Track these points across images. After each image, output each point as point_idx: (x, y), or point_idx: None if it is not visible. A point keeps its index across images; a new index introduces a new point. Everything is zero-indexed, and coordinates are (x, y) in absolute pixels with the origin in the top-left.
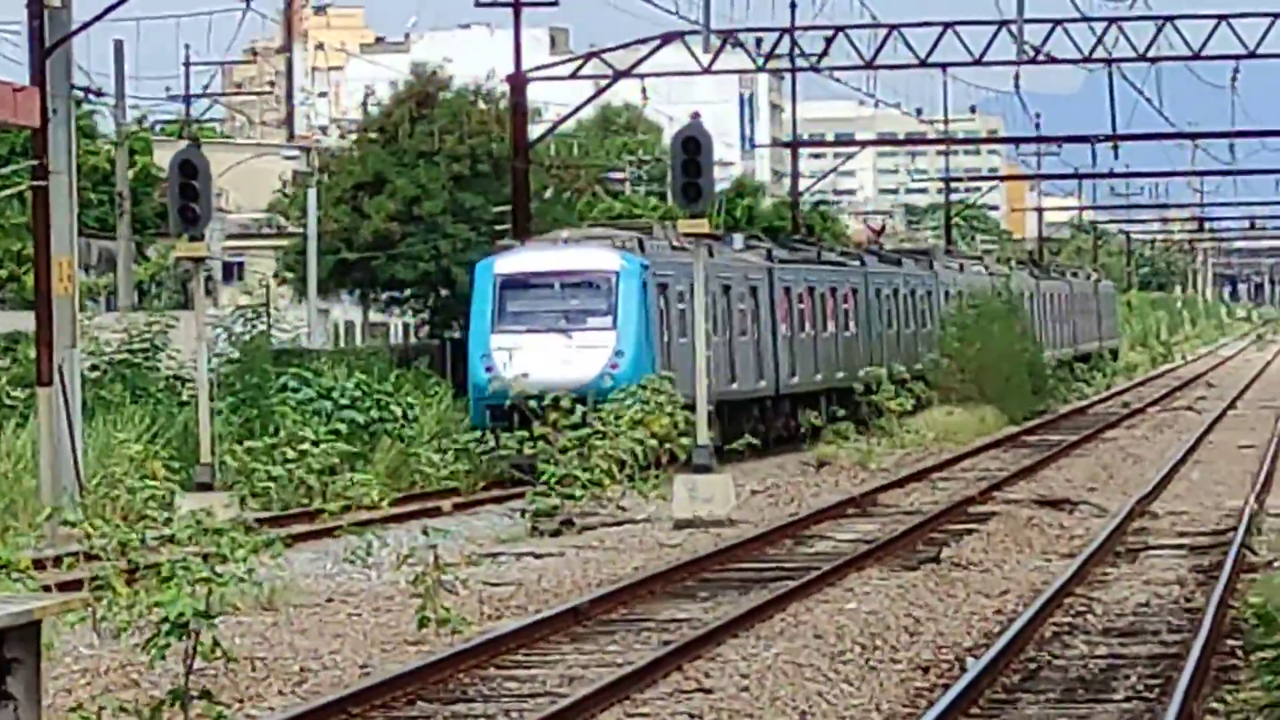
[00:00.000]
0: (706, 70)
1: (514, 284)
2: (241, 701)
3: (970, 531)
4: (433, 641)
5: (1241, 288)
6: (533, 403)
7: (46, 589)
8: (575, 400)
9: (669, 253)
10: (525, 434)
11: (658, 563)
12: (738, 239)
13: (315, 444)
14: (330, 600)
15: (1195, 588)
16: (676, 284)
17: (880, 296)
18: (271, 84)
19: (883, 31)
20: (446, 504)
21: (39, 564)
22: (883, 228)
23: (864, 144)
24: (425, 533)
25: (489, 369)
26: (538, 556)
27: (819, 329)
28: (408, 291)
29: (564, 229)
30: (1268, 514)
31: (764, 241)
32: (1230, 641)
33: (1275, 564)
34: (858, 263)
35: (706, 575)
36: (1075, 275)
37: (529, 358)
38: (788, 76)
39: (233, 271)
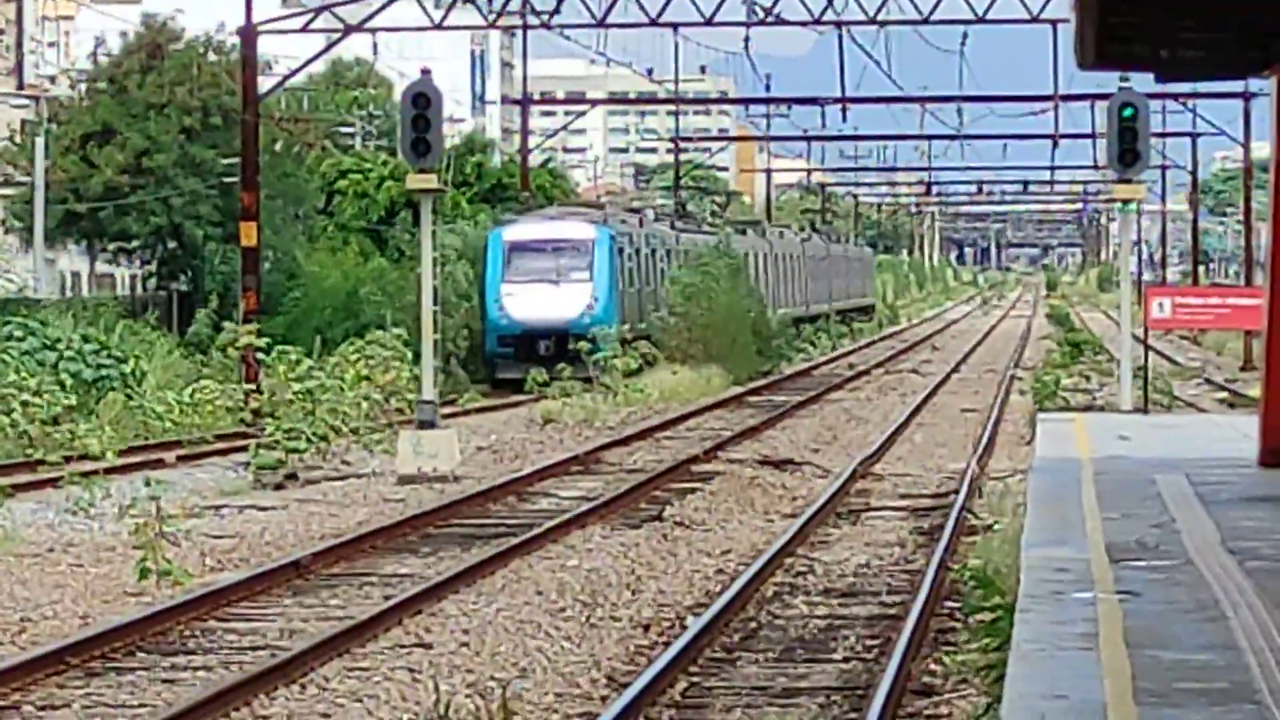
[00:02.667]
0: (438, 26)
1: (517, 247)
2: None
3: (693, 491)
4: (153, 593)
5: (968, 252)
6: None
7: None
8: (561, 332)
9: (621, 225)
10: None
11: (381, 517)
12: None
13: (38, 394)
14: (51, 550)
15: (916, 550)
16: (628, 249)
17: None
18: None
19: None
20: (171, 456)
21: None
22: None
23: (594, 103)
24: (148, 484)
25: (500, 309)
26: (261, 510)
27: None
28: (136, 243)
29: (552, 207)
30: (989, 477)
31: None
32: (949, 604)
33: (995, 527)
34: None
35: (429, 531)
36: (841, 241)
37: (529, 301)
38: (519, 33)
39: None
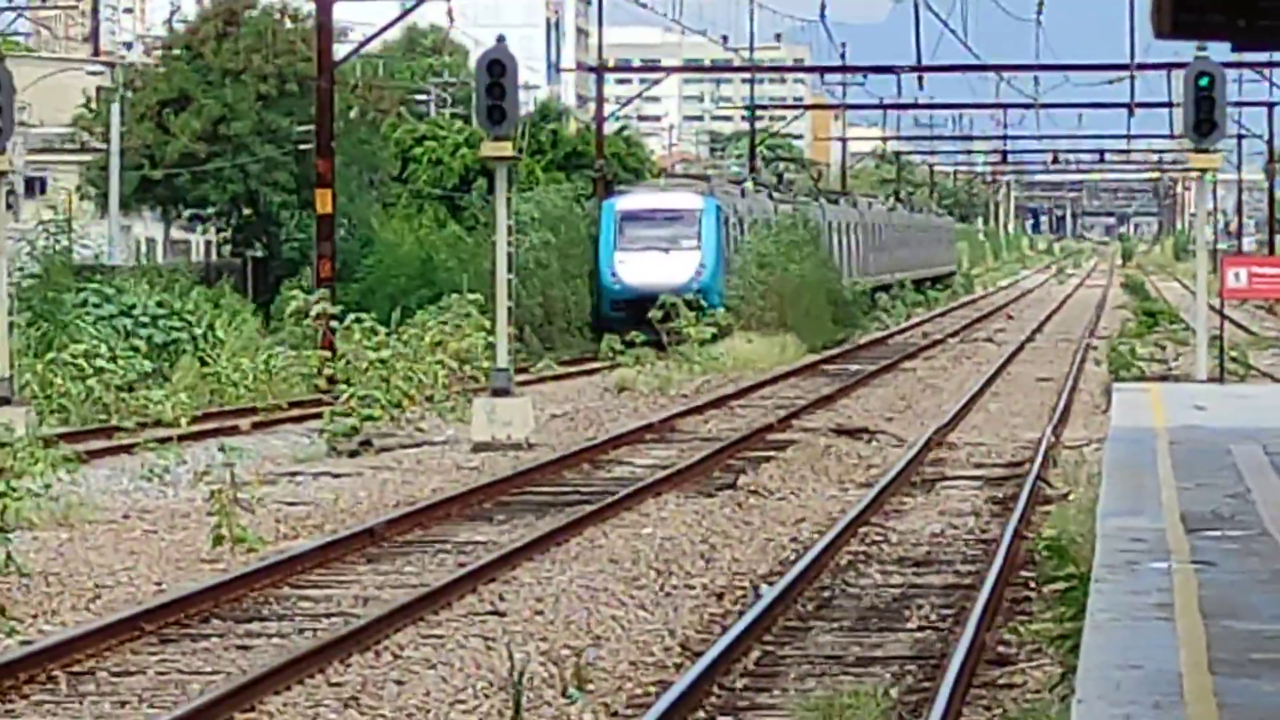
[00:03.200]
0: None
1: (630, 217)
2: (35, 617)
3: (768, 459)
4: (227, 560)
5: (1043, 220)
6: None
7: None
8: (673, 296)
9: (725, 195)
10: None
11: (455, 485)
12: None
13: (113, 360)
14: (126, 517)
15: (990, 519)
16: (733, 218)
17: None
18: None
19: None
20: (245, 423)
21: None
22: None
23: (669, 70)
24: (223, 450)
25: (614, 275)
26: (335, 476)
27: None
28: (211, 210)
29: (661, 179)
30: (1064, 446)
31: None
32: (1024, 573)
33: (1070, 497)
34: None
35: (503, 498)
36: (925, 210)
37: (640, 267)
38: (595, 1)
39: (35, 186)
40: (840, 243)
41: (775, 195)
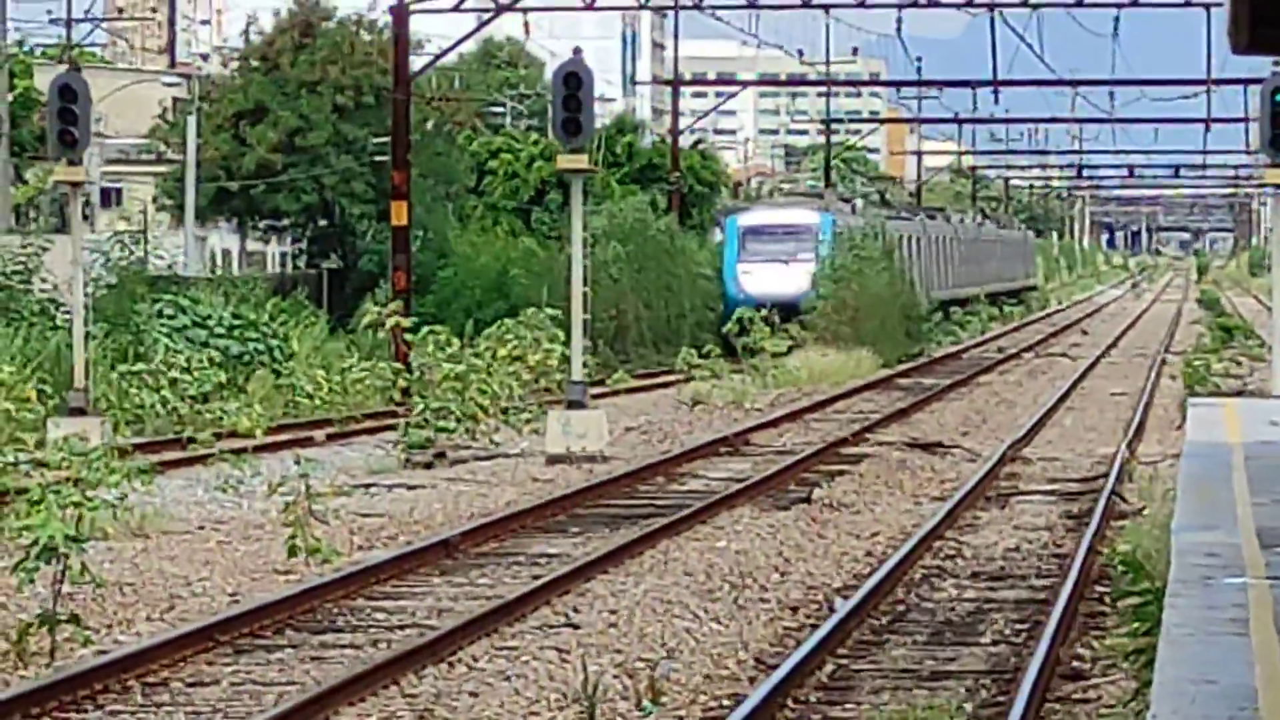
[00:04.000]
0: (589, 6)
1: (752, 231)
2: (110, 627)
3: (842, 473)
4: (302, 571)
5: (1118, 235)
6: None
7: None
8: (791, 305)
9: (839, 211)
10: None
11: (529, 497)
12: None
13: (188, 370)
14: (201, 528)
15: (1065, 534)
16: (845, 232)
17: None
18: (154, 10)
19: None
20: (320, 434)
21: None
22: None
23: (745, 84)
24: (297, 462)
25: (738, 285)
26: (410, 488)
27: None
28: (287, 221)
29: (780, 196)
30: (1139, 462)
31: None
32: (1099, 588)
33: (1145, 512)
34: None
35: (578, 511)
36: (1011, 226)
37: (762, 277)
38: (670, 14)
39: (110, 197)
40: (936, 254)
41: (880, 212)
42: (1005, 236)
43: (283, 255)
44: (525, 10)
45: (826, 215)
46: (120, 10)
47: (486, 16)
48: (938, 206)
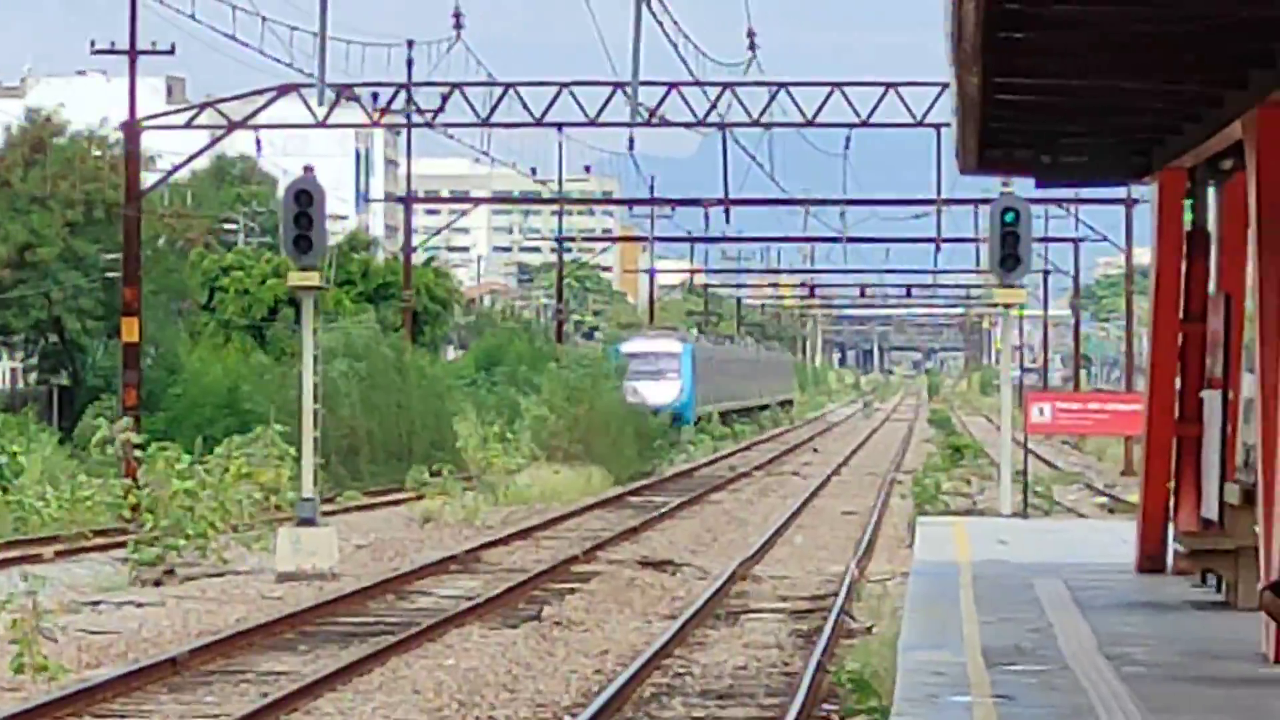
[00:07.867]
0: (322, 124)
1: (633, 355)
2: None
3: (573, 591)
4: (29, 688)
5: (850, 354)
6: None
7: None
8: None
9: (697, 341)
10: None
11: (259, 614)
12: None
13: None
14: None
15: (794, 652)
16: (704, 357)
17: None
18: None
19: (499, 90)
20: (49, 551)
21: None
22: None
23: (478, 201)
24: (25, 579)
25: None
26: (139, 606)
27: None
28: (16, 337)
29: (650, 328)
30: (868, 580)
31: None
32: (827, 706)
33: (873, 630)
34: None
35: (307, 628)
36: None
37: (642, 390)
38: (403, 131)
39: None
40: (731, 371)
41: (715, 340)
42: (774, 357)
43: (12, 371)
44: (257, 127)
45: (687, 344)
46: None
47: (218, 134)
48: (727, 334)
